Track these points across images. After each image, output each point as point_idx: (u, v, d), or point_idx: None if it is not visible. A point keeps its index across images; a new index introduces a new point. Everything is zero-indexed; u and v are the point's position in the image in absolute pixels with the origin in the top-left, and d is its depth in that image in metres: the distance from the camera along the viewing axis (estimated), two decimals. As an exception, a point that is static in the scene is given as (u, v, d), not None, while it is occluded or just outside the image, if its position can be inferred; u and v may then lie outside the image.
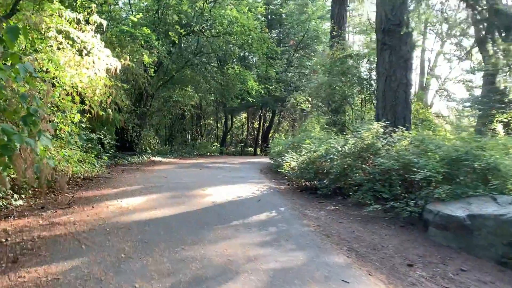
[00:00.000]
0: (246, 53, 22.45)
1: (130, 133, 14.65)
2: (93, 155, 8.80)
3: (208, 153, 23.32)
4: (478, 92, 18.03)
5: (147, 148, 15.34)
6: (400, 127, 8.17)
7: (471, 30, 17.56)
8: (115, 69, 10.05)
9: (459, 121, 17.31)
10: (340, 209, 6.63)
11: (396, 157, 6.70)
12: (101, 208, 5.90)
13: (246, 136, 39.13)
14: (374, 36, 14.39)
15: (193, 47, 20.00)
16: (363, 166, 7.09)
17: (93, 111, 9.68)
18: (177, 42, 16.01)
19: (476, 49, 17.44)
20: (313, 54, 30.81)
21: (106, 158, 9.69)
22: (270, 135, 34.70)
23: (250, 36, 17.12)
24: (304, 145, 9.42)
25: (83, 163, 8.67)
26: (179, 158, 17.84)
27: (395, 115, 9.67)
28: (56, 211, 5.63)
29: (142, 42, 12.43)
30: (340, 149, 7.68)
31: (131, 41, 12.31)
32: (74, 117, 7.47)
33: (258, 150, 30.86)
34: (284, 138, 18.51)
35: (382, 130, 8.05)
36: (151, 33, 12.59)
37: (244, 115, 34.92)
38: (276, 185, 8.80)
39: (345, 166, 7.28)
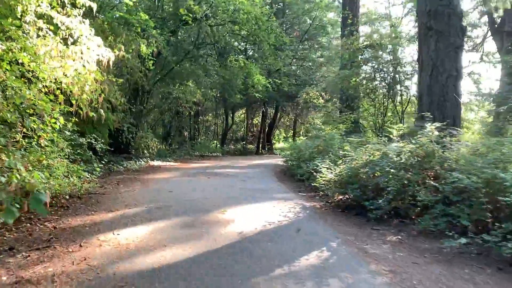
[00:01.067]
0: (251, 45, 20.83)
1: (126, 135, 13.10)
2: (81, 168, 7.24)
3: (210, 153, 21.78)
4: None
5: (145, 151, 13.79)
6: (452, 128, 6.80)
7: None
8: (108, 61, 8.54)
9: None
10: (406, 241, 5.14)
11: (473, 170, 5.24)
12: (91, 248, 4.39)
13: (245, 133, 37.70)
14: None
15: (193, 38, 18.43)
16: (428, 181, 5.62)
17: (81, 112, 8.15)
18: (181, 28, 14.40)
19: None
20: (317, 46, 29.28)
21: (98, 169, 8.17)
22: (273, 132, 33.27)
23: (257, 25, 15.57)
24: (339, 150, 7.94)
25: (70, 176, 7.14)
26: (180, 161, 16.29)
27: (444, 113, 8.21)
28: (29, 255, 4.12)
29: (139, 30, 10.84)
30: (395, 158, 6.19)
31: (126, 28, 10.74)
32: (55, 122, 5.92)
33: (261, 148, 29.36)
34: (301, 139, 16.99)
35: (437, 133, 6.61)
36: (148, 19, 10.99)
37: (243, 110, 33.30)
38: (307, 201, 7.29)
39: (404, 182, 5.79)
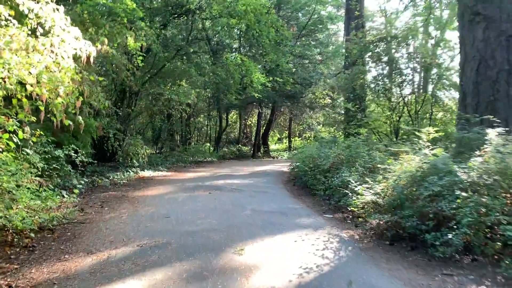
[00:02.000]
0: (248, 42, 19.38)
1: (112, 142, 11.60)
2: (54, 194, 5.74)
3: (204, 159, 20.29)
4: None
5: (134, 160, 12.29)
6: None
7: None
8: (88, 57, 7.11)
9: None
10: (499, 296, 3.80)
11: None
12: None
13: (239, 135, 36.33)
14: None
15: (185, 33, 16.98)
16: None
17: (55, 120, 6.69)
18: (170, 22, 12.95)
19: None
20: (314, 43, 27.92)
21: (77, 191, 6.67)
22: (269, 134, 31.94)
23: (256, 18, 14.17)
24: (379, 163, 6.59)
25: (41, 201, 5.68)
26: (173, 169, 14.80)
27: (494, 115, 6.86)
28: None
29: (125, 21, 9.36)
30: (464, 178, 4.83)
31: (110, 19, 9.26)
32: (10, 136, 4.47)
33: (256, 151, 27.92)
34: (301, 142, 15.61)
35: (500, 141, 5.33)
36: (136, 9, 9.51)
37: (235, 111, 31.77)
38: (341, 228, 5.88)
39: (481, 209, 4.45)
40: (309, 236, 5.36)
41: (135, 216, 6.50)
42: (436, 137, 9.42)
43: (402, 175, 5.73)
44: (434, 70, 12.76)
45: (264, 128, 29.75)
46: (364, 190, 5.98)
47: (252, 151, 27.24)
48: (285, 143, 40.28)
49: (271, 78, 17.65)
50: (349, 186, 6.72)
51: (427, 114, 13.17)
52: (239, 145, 32.05)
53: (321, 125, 36.91)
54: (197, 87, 16.70)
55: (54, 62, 6.44)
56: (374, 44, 13.25)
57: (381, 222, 5.39)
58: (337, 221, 6.46)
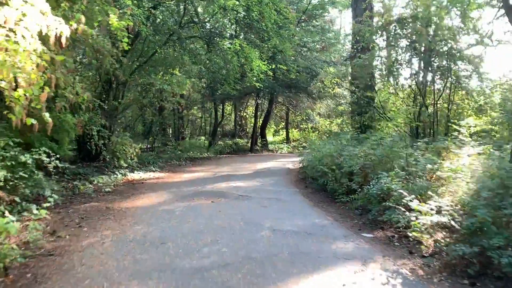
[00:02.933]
0: (246, 27, 17.82)
1: (95, 141, 10.09)
2: (5, 221, 4.26)
3: (200, 155, 18.83)
4: None
5: (122, 161, 10.79)
6: None
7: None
8: (58, 38, 5.72)
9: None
10: None
11: None
12: None
13: (234, 128, 34.90)
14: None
15: (177, 16, 15.41)
16: None
17: (13, 118, 5.35)
18: None
19: None
20: (314, 29, 26.38)
21: (44, 212, 5.20)
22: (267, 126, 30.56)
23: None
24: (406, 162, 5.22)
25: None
26: (167, 169, 13.33)
27: None
28: None
29: (107, -5, 7.83)
30: None
31: (88, -7, 7.72)
32: None
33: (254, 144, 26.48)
34: (321, 140, 14.18)
35: None
36: (120, -20, 7.98)
37: (230, 102, 30.22)
38: (396, 260, 4.48)
39: None
40: (359, 275, 3.96)
41: (120, 242, 5.07)
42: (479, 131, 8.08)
43: (474, 185, 4.36)
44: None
45: (261, 120, 28.30)
46: (420, 204, 4.60)
47: (250, 145, 25.79)
48: (282, 135, 38.90)
49: (273, 66, 16.16)
50: (393, 195, 5.36)
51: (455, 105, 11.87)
52: (236, 138, 30.66)
53: (321, 117, 35.71)
54: (191, 76, 15.17)
55: (8, 40, 4.98)
56: (395, 24, 11.83)
57: (456, 252, 3.99)
58: (382, 243, 5.07)
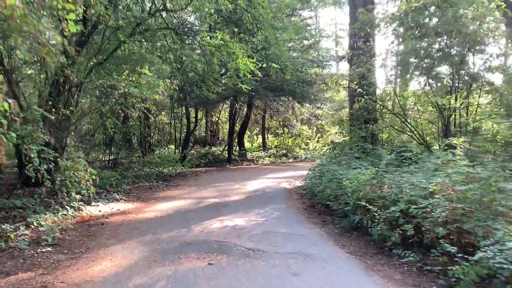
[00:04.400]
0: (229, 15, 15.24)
1: (36, 165, 7.27)
2: None
3: (175, 171, 16.03)
4: None
5: (72, 193, 7.97)
6: None
7: None
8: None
9: None
10: None
11: None
12: None
13: (206, 134, 32.29)
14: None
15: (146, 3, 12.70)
16: None
17: None
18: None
19: None
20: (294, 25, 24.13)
21: None
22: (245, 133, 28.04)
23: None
24: None
25: None
26: (135, 197, 10.50)
27: None
28: None
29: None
30: None
31: None
32: None
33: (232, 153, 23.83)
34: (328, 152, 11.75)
35: None
36: None
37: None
38: None
39: None
40: None
41: None
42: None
43: None
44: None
45: (239, 126, 25.73)
46: None
47: (227, 155, 23.10)
48: (256, 141, 36.44)
49: (263, 65, 13.67)
50: None
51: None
52: (209, 146, 27.97)
53: (303, 123, 33.50)
54: (162, 77, 12.46)
55: None
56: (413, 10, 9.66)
57: None
58: None
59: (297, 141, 31.30)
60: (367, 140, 12.02)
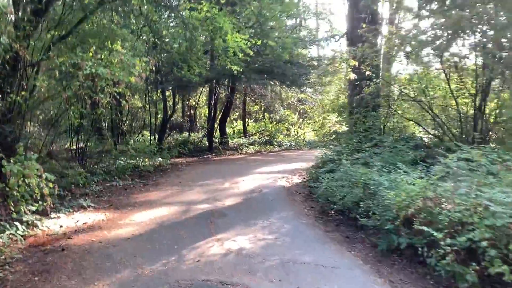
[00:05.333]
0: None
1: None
2: None
3: (152, 163, 14.08)
4: None
5: (22, 207, 6.11)
6: None
7: None
8: None
9: None
10: None
11: None
12: None
13: (182, 120, 30.32)
14: None
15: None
16: None
17: None
18: None
19: None
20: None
21: None
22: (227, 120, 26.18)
23: None
24: None
25: None
26: (106, 203, 8.57)
27: None
28: None
29: None
30: None
31: None
32: None
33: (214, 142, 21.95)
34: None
35: None
36: None
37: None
38: None
39: None
40: None
41: None
42: None
43: None
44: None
45: (220, 112, 23.79)
46: None
47: (207, 143, 21.23)
48: (236, 126, 34.50)
49: (258, 42, 11.80)
50: None
51: None
52: (186, 133, 26.00)
53: (289, 108, 31.74)
54: (138, 56, 10.50)
55: None
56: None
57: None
58: None
59: (278, 127, 29.75)
60: (374, 131, 10.58)
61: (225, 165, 15.37)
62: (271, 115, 30.33)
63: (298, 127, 32.80)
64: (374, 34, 11.06)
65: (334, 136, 12.02)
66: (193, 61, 12.50)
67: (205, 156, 18.60)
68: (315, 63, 18.93)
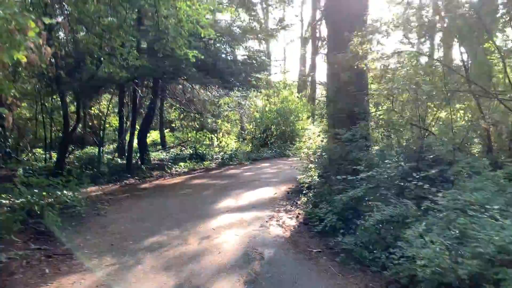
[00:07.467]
0: None
1: None
2: None
3: (56, 200, 9.17)
4: None
5: None
6: None
7: None
8: None
9: None
10: None
11: None
12: None
13: (84, 131, 25.10)
14: None
15: None
16: None
17: None
18: None
19: None
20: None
21: None
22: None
23: None
24: None
25: None
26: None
27: None
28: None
29: None
30: None
31: None
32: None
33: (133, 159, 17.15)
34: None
35: None
36: None
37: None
38: None
39: None
40: None
41: None
42: None
43: None
44: None
45: (142, 122, 18.98)
46: None
47: (127, 162, 16.41)
48: (149, 137, 29.48)
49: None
50: None
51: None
52: (100, 150, 20.71)
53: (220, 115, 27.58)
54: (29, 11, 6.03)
55: None
56: None
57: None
58: None
59: (200, 136, 25.87)
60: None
61: (166, 197, 10.96)
62: (201, 122, 25.93)
63: (222, 136, 29.24)
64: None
65: (319, 152, 8.60)
66: (118, 45, 8.18)
67: (127, 182, 13.95)
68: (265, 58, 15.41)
